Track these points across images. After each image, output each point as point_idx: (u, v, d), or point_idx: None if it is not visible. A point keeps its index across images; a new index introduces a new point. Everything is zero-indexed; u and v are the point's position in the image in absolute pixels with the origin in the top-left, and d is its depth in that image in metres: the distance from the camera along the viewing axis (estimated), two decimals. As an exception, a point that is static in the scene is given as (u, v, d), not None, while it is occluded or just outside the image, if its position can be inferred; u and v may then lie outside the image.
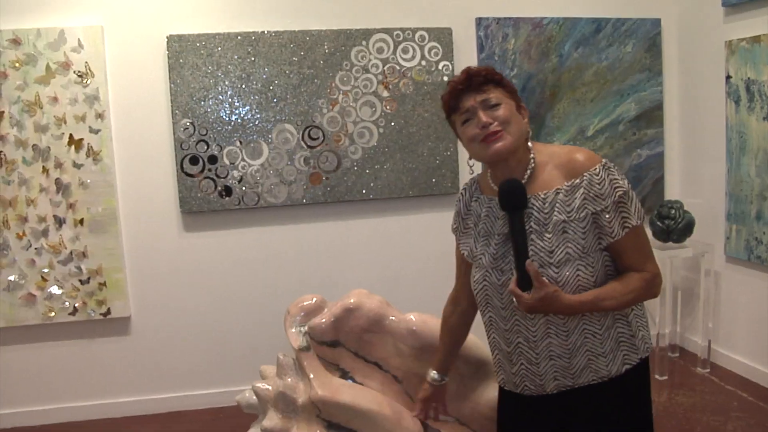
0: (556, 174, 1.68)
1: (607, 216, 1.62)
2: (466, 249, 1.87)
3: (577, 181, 1.64)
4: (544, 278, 1.60)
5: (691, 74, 4.28)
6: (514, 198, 1.65)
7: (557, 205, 1.65)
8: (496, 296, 1.76)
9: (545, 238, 1.65)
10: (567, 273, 1.63)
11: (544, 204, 1.66)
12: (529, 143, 1.73)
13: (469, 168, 1.90)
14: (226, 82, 3.73)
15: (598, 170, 1.63)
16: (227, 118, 3.74)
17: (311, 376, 2.34)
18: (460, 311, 2.08)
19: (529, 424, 1.83)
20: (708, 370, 4.02)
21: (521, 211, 1.65)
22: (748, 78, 3.70)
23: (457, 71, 3.99)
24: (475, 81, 1.69)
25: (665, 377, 3.94)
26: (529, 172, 1.71)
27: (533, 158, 1.72)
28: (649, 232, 4.02)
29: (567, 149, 1.71)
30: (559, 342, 1.69)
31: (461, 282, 2.04)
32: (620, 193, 1.63)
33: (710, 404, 3.59)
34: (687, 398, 3.67)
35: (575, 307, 1.63)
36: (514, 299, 1.65)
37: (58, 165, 3.62)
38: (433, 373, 2.16)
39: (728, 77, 3.85)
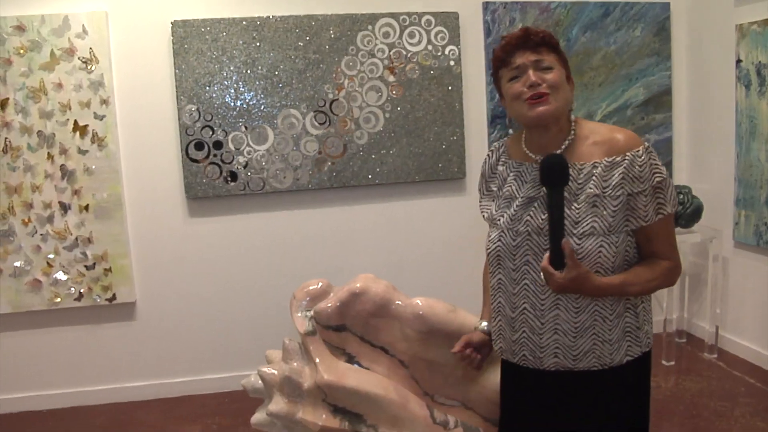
0: (595, 149, 1.66)
1: (643, 199, 1.61)
2: (486, 211, 1.85)
3: (618, 158, 1.62)
4: (577, 258, 1.59)
5: (701, 58, 4.24)
6: (555, 173, 1.59)
7: (594, 178, 1.62)
8: (508, 257, 1.73)
9: (573, 208, 1.63)
10: (588, 246, 1.61)
11: (579, 174, 1.64)
12: (572, 116, 1.72)
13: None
14: (231, 68, 3.71)
15: (641, 152, 1.61)
16: (232, 104, 3.72)
17: (317, 360, 2.33)
18: None
19: (527, 397, 1.82)
20: (715, 356, 4.00)
21: (561, 187, 1.59)
22: (759, 62, 3.66)
23: (464, 56, 3.99)
24: (531, 40, 1.65)
25: (672, 363, 3.93)
26: (567, 142, 1.68)
27: (574, 131, 1.69)
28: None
29: (609, 128, 1.70)
30: (568, 317, 1.67)
31: None
32: (659, 179, 1.62)
33: (717, 390, 3.57)
34: (694, 384, 3.66)
35: (603, 290, 1.62)
36: (543, 276, 1.62)
37: (63, 151, 3.62)
38: (483, 324, 1.98)
39: (739, 61, 3.81)
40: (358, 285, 2.44)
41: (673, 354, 3.97)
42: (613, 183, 1.61)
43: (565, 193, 1.61)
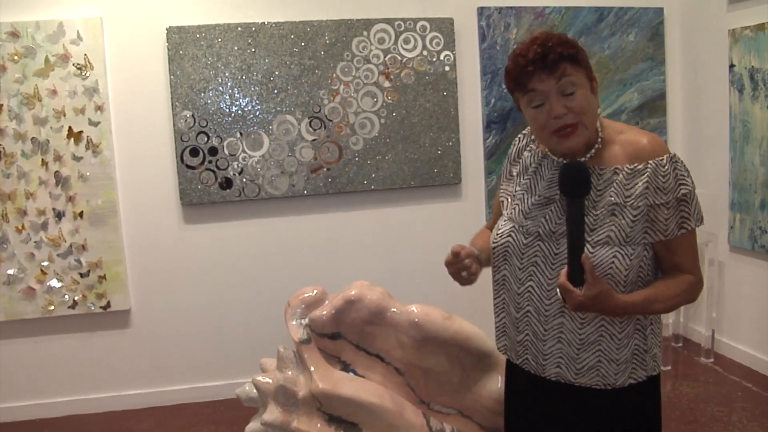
0: (619, 153, 1.56)
1: (665, 212, 1.51)
2: (505, 197, 1.75)
3: (641, 167, 1.51)
4: (598, 275, 1.48)
5: (694, 63, 4.25)
6: (576, 183, 1.48)
7: (614, 185, 1.53)
8: (516, 255, 1.64)
9: (591, 214, 1.54)
10: (601, 255, 1.51)
11: (599, 180, 1.55)
12: (599, 121, 1.60)
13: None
14: (227, 74, 3.71)
15: (665, 161, 1.51)
16: (228, 110, 3.72)
17: (312, 368, 2.32)
18: None
19: (529, 400, 1.75)
20: (712, 360, 4.00)
21: (582, 198, 1.48)
22: (752, 66, 3.67)
23: (459, 61, 3.98)
24: (549, 60, 1.49)
25: (669, 368, 3.93)
26: (593, 151, 1.58)
27: (601, 138, 1.59)
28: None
29: (635, 131, 1.59)
30: (573, 327, 1.59)
31: (494, 222, 1.85)
32: (685, 191, 1.52)
33: (714, 394, 3.57)
34: (691, 388, 3.65)
35: (626, 308, 1.52)
36: (559, 293, 1.50)
37: (58, 158, 3.61)
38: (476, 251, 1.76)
39: (732, 66, 3.82)
40: (353, 292, 2.43)
41: (669, 359, 3.97)
42: (636, 193, 1.51)
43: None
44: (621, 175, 1.53)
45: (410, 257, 4.05)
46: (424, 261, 4.04)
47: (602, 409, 1.63)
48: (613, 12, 4.15)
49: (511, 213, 1.69)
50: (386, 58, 3.87)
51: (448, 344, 2.41)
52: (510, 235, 1.66)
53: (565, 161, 1.61)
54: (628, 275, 1.54)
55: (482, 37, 4.01)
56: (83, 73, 3.58)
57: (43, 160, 3.59)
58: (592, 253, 1.52)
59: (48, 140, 3.59)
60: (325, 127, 3.83)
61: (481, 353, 2.42)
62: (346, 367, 2.46)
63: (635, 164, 1.52)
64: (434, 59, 3.92)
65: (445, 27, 3.92)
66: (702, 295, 4.03)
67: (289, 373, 2.39)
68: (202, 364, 3.90)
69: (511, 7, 4.02)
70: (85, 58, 3.58)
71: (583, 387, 1.61)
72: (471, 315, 2.63)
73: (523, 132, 1.80)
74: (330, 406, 2.29)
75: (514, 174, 1.76)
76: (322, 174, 3.86)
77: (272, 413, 2.38)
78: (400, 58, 3.88)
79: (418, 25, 3.89)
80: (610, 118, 4.17)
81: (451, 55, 3.94)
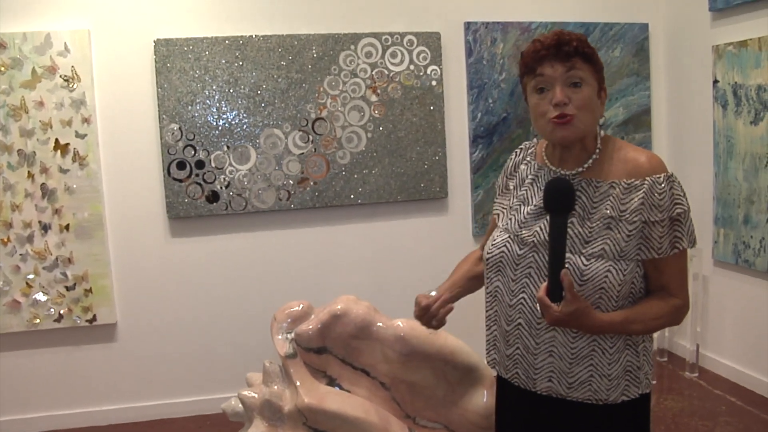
0: (617, 168, 1.57)
1: (659, 230, 1.52)
2: (501, 210, 1.76)
3: (638, 182, 1.52)
4: (578, 293, 1.49)
5: (679, 79, 4.30)
6: (559, 200, 1.51)
7: (610, 199, 1.54)
8: (510, 266, 1.64)
9: (586, 226, 1.55)
10: (596, 269, 1.52)
11: (596, 192, 1.56)
12: (601, 132, 1.62)
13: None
14: (214, 87, 3.71)
15: (662, 179, 1.51)
16: (215, 123, 3.72)
17: (298, 383, 2.33)
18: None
19: (518, 417, 1.74)
20: (696, 375, 4.02)
21: (565, 215, 1.50)
22: (735, 82, 3.71)
23: (446, 76, 4.01)
24: (563, 50, 1.52)
25: (654, 382, 3.94)
26: (590, 161, 1.59)
27: (600, 149, 1.60)
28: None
29: (635, 148, 1.60)
30: (564, 341, 1.58)
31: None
32: (679, 210, 1.52)
33: (699, 409, 3.59)
34: (675, 403, 3.67)
35: (604, 327, 1.53)
36: (539, 308, 1.52)
37: (44, 170, 3.59)
38: (432, 292, 1.80)
39: (715, 81, 3.86)
40: (339, 307, 2.44)
41: (654, 373, 3.97)
42: (631, 208, 1.52)
43: (579, 210, 1.56)
44: (617, 189, 1.54)
45: (396, 271, 4.06)
46: (411, 275, 4.05)
47: (595, 425, 1.63)
48: (599, 27, 4.20)
49: (507, 224, 1.69)
50: (373, 72, 3.89)
51: (433, 358, 2.42)
52: (505, 245, 1.66)
53: (560, 171, 1.63)
54: (621, 290, 1.54)
55: (469, 52, 4.04)
56: (70, 85, 3.58)
57: (29, 172, 3.58)
58: (586, 265, 1.52)
59: (34, 152, 3.58)
60: (312, 141, 3.84)
61: (467, 367, 2.43)
62: (331, 382, 2.46)
63: (632, 179, 1.53)
64: (421, 73, 3.95)
65: (432, 41, 3.95)
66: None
67: (275, 387, 2.40)
68: (188, 379, 3.88)
69: (498, 22, 4.05)
70: (72, 70, 3.57)
71: (576, 402, 1.61)
72: (457, 329, 2.63)
73: (520, 147, 1.81)
74: (315, 421, 2.29)
75: (511, 188, 1.77)
76: (309, 188, 3.86)
77: (258, 428, 2.38)
78: (387, 72, 3.91)
79: (405, 39, 3.91)
80: (596, 133, 4.22)
81: (438, 70, 3.96)
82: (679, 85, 4.30)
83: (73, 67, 3.57)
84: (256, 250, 3.90)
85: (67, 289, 3.66)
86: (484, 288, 1.77)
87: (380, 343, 2.42)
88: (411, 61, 3.93)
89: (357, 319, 2.43)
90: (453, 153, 4.08)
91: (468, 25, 4.03)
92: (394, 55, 3.91)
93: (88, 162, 3.63)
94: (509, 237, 1.66)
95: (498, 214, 1.77)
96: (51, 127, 3.58)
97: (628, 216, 1.52)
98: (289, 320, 2.50)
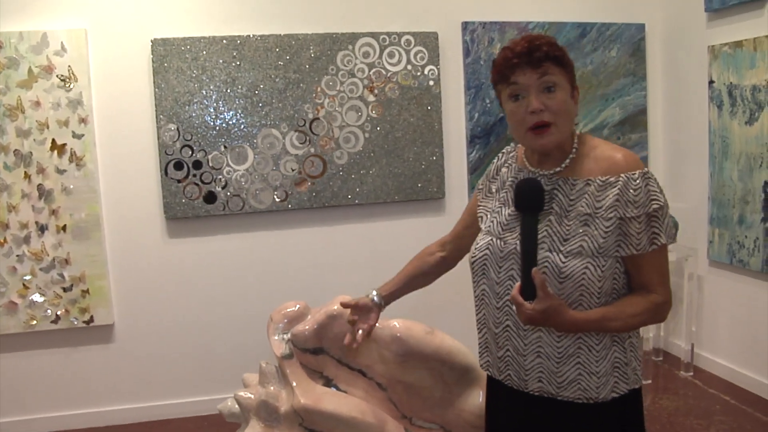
0: (593, 166, 1.58)
1: (636, 226, 1.53)
2: (484, 213, 1.78)
3: (612, 179, 1.54)
4: (548, 271, 1.53)
5: (675, 79, 4.31)
6: (529, 199, 1.56)
7: (586, 196, 1.56)
8: (494, 268, 1.66)
9: (564, 224, 1.56)
10: (574, 266, 1.53)
11: (572, 190, 1.58)
12: (576, 132, 1.64)
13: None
14: (211, 87, 3.71)
15: (636, 176, 1.53)
16: (212, 123, 3.72)
17: (294, 384, 2.33)
18: (441, 256, 1.99)
19: (511, 417, 1.74)
20: (691, 374, 4.04)
21: (535, 213, 1.55)
22: (731, 83, 3.72)
23: (443, 76, 4.02)
24: (535, 56, 1.53)
25: (649, 381, 3.96)
26: (568, 161, 1.61)
27: (576, 149, 1.62)
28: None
29: (611, 146, 1.61)
30: (550, 341, 1.59)
31: (456, 232, 1.96)
32: (656, 206, 1.53)
33: (694, 408, 3.60)
34: (670, 402, 3.69)
35: (579, 325, 1.54)
36: (514, 307, 1.55)
37: (41, 170, 3.59)
38: (373, 293, 2.00)
39: (711, 82, 3.87)
40: (335, 307, 2.44)
41: (649, 372, 4.00)
42: (606, 204, 1.53)
43: (557, 208, 1.58)
44: (593, 187, 1.56)
45: (394, 272, 4.01)
46: (408, 274, 4.04)
47: (587, 424, 1.63)
48: (596, 28, 4.21)
49: (489, 226, 1.71)
50: (371, 72, 3.89)
51: (430, 359, 2.42)
52: (488, 248, 1.68)
53: (539, 172, 1.65)
54: (602, 286, 1.56)
55: (466, 52, 4.05)
56: (67, 85, 3.57)
57: (26, 172, 3.58)
58: (564, 263, 1.54)
59: (31, 152, 3.57)
60: (309, 141, 3.85)
61: (463, 368, 2.43)
62: (328, 382, 2.47)
63: (607, 176, 1.55)
64: (418, 73, 3.95)
65: (429, 41, 3.95)
66: (681, 309, 4.09)
67: (271, 388, 2.40)
68: (185, 379, 3.89)
69: (495, 22, 4.06)
70: (69, 70, 3.57)
71: (566, 401, 1.62)
72: (453, 330, 2.64)
73: (502, 151, 1.84)
74: (312, 421, 2.30)
75: (494, 191, 1.79)
76: (307, 188, 3.87)
77: (254, 429, 2.38)
78: (384, 72, 3.91)
79: (403, 39, 3.92)
80: (592, 133, 4.21)
81: (436, 70, 3.97)
82: (675, 86, 4.31)
83: (69, 66, 3.57)
84: (253, 250, 3.91)
85: (64, 290, 3.66)
86: (472, 291, 1.79)
87: (377, 343, 2.42)
88: (408, 61, 3.94)
89: (354, 319, 2.43)
90: (450, 153, 4.08)
91: (465, 25, 4.03)
92: (391, 55, 3.92)
93: (85, 162, 3.63)
94: (491, 240, 1.68)
95: (481, 217, 1.79)
96: (48, 128, 3.57)
97: (603, 213, 1.54)
98: (285, 321, 2.50)
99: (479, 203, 1.84)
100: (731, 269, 3.87)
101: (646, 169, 1.56)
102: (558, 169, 1.62)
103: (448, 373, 2.45)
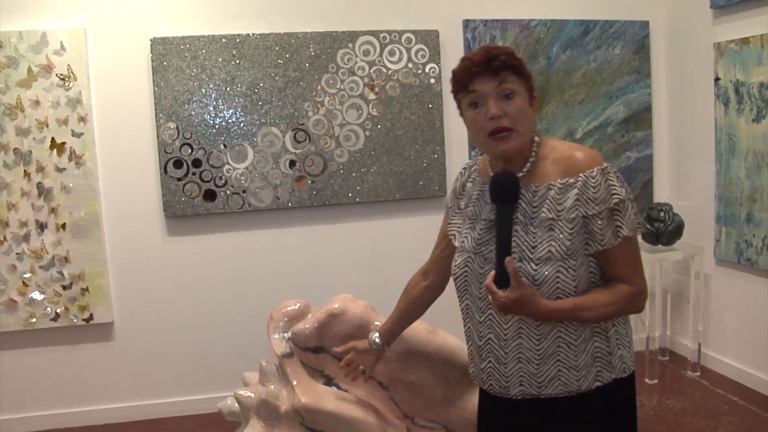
0: (553, 169, 1.61)
1: (599, 222, 1.55)
2: (455, 230, 1.80)
3: (572, 180, 1.57)
4: (522, 278, 1.54)
5: (680, 76, 4.27)
6: (504, 191, 1.59)
7: (548, 201, 1.58)
8: (474, 285, 1.69)
9: (530, 232, 1.59)
10: (546, 272, 1.56)
11: (534, 197, 1.60)
12: (536, 137, 1.66)
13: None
14: (211, 85, 3.69)
15: (595, 173, 1.55)
16: (212, 122, 3.70)
17: (294, 382, 2.30)
18: (425, 285, 2.05)
19: (499, 425, 1.77)
20: (698, 374, 3.99)
21: (510, 205, 1.59)
22: (737, 80, 3.68)
23: (444, 74, 3.98)
24: (493, 65, 1.57)
25: (655, 381, 3.92)
26: (528, 165, 1.64)
27: (535, 152, 1.65)
28: (638, 235, 3.99)
29: (569, 146, 1.64)
30: (530, 345, 1.61)
31: (435, 256, 2.00)
32: (616, 200, 1.55)
33: (701, 408, 3.56)
34: (677, 402, 3.64)
35: (552, 314, 1.57)
36: (496, 319, 1.60)
37: (40, 169, 3.57)
38: (375, 336, 2.09)
39: (717, 79, 3.84)
40: (336, 306, 2.42)
41: (656, 372, 3.96)
42: (567, 206, 1.56)
43: (521, 217, 1.60)
44: (554, 191, 1.58)
45: (394, 270, 4.01)
46: (409, 274, 3.98)
47: (573, 415, 1.65)
48: (599, 25, 4.17)
49: (463, 243, 1.74)
50: (371, 71, 3.86)
51: (432, 358, 2.40)
52: (467, 265, 1.71)
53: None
54: (578, 285, 1.58)
55: (467, 50, 4.01)
56: (66, 84, 3.55)
57: (25, 171, 3.56)
58: (536, 270, 1.57)
59: (30, 151, 3.55)
60: (309, 140, 3.82)
61: (465, 367, 2.40)
62: (329, 381, 2.44)
63: (567, 178, 1.58)
64: (419, 71, 3.92)
65: (430, 39, 3.92)
66: (688, 308, 4.06)
67: (272, 387, 2.37)
68: (185, 378, 3.86)
69: (497, 20, 4.02)
70: (68, 69, 3.55)
71: (550, 398, 1.63)
72: (455, 329, 2.60)
73: (463, 167, 1.88)
74: (312, 421, 2.27)
75: (462, 206, 1.82)
76: (307, 186, 3.84)
77: (254, 428, 2.35)
78: (385, 71, 3.88)
79: (404, 37, 3.89)
80: (597, 131, 4.21)
81: (437, 68, 3.94)
82: (681, 83, 4.27)
83: (69, 65, 3.55)
84: (253, 248, 3.88)
85: (64, 288, 3.64)
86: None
87: (378, 342, 2.39)
88: (409, 59, 3.91)
89: (354, 318, 2.40)
90: (452, 151, 4.05)
91: (467, 23, 4.00)
92: (392, 53, 3.89)
93: (85, 161, 3.60)
94: (469, 256, 1.71)
95: (454, 234, 1.81)
96: (47, 126, 3.55)
97: (565, 214, 1.56)
98: (285, 319, 2.47)
99: (450, 221, 1.87)
100: (739, 268, 3.83)
101: (605, 164, 1.59)
102: (520, 175, 1.63)
103: (450, 372, 2.42)
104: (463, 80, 1.62)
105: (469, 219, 1.75)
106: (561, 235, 1.56)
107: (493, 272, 1.56)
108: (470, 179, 1.81)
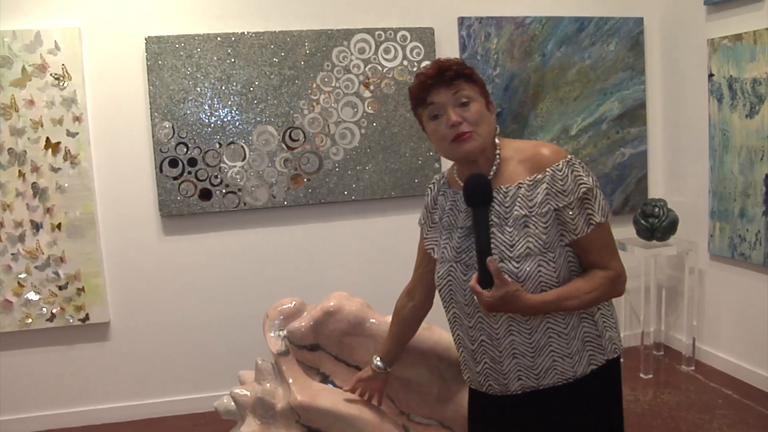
0: (520, 169, 1.66)
1: (570, 213, 1.61)
2: (433, 244, 1.86)
3: (540, 176, 1.62)
4: (505, 276, 1.58)
5: (674, 72, 4.28)
6: (478, 193, 1.64)
7: (519, 199, 1.63)
8: (459, 292, 1.73)
9: (506, 232, 1.63)
10: (528, 268, 1.61)
11: (506, 198, 1.65)
12: (497, 139, 1.72)
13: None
14: (206, 84, 3.69)
15: (561, 166, 1.62)
16: (207, 120, 3.70)
17: (290, 380, 2.30)
18: (412, 305, 2.08)
19: (495, 424, 1.80)
20: (693, 368, 4.01)
21: (485, 206, 1.64)
22: (731, 76, 3.70)
23: (439, 71, 3.98)
24: (446, 75, 1.64)
25: (650, 376, 3.93)
26: (495, 167, 1.69)
27: (499, 154, 1.70)
28: (633, 230, 4.01)
29: (533, 144, 1.70)
30: (522, 340, 1.66)
31: (418, 275, 2.04)
32: (584, 189, 1.61)
33: (695, 402, 3.58)
34: (672, 396, 3.66)
35: (537, 307, 1.62)
36: (475, 297, 1.63)
37: (35, 169, 3.56)
38: (377, 360, 2.15)
39: (711, 75, 3.85)
40: (331, 303, 2.42)
41: (650, 367, 3.97)
42: (538, 201, 1.61)
43: (495, 218, 1.64)
44: (523, 189, 1.64)
45: (390, 268, 4.03)
46: (404, 272, 3.97)
47: (573, 401, 1.69)
48: (594, 22, 4.18)
49: (443, 254, 1.78)
50: (367, 68, 3.87)
51: (427, 355, 2.40)
52: (450, 274, 1.75)
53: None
54: (559, 276, 1.64)
55: (463, 47, 4.02)
56: (61, 84, 3.55)
57: (20, 171, 3.55)
58: (517, 267, 1.61)
59: (25, 151, 3.55)
60: (305, 138, 3.82)
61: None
62: (325, 379, 2.44)
63: (535, 174, 1.63)
64: (415, 69, 3.92)
65: (425, 37, 3.93)
66: (682, 303, 4.07)
67: (268, 385, 2.37)
68: (182, 377, 3.86)
69: (492, 17, 4.03)
70: (63, 68, 3.54)
71: (549, 388, 1.68)
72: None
73: (432, 181, 1.93)
74: (308, 419, 2.27)
75: (437, 220, 1.86)
76: (303, 184, 3.84)
77: (250, 426, 2.35)
78: (380, 68, 3.88)
79: (399, 35, 3.89)
80: (591, 128, 4.22)
81: (432, 65, 3.93)
82: (675, 79, 4.28)
83: (63, 65, 3.55)
84: (249, 247, 3.88)
85: (60, 288, 3.63)
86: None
87: (374, 339, 2.40)
88: (404, 57, 3.91)
89: (350, 315, 2.40)
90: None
91: (462, 20, 4.00)
92: (387, 51, 3.89)
93: (80, 160, 3.60)
94: (451, 265, 1.74)
95: (432, 248, 1.86)
96: (42, 126, 3.55)
97: (537, 209, 1.62)
98: (281, 317, 2.47)
99: (426, 237, 1.92)
100: (732, 263, 3.85)
101: (569, 156, 1.65)
102: (488, 177, 1.68)
103: (446, 369, 2.42)
104: (420, 94, 1.68)
105: (445, 230, 1.80)
106: (536, 230, 1.61)
107: (476, 274, 1.61)
108: (440, 193, 1.86)
